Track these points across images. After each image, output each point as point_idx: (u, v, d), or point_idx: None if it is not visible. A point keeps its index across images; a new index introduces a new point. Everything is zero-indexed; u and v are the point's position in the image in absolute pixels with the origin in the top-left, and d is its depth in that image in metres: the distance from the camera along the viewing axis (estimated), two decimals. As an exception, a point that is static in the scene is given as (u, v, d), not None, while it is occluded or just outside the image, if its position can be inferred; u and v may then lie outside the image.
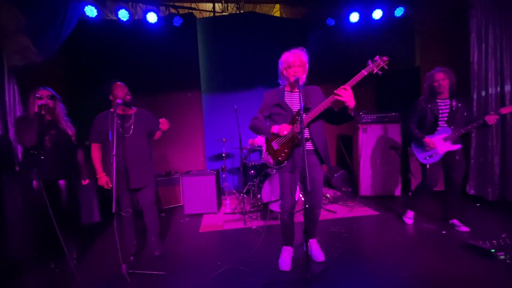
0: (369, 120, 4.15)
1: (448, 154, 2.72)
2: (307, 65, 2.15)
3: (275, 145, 2.19)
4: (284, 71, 2.15)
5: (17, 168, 2.58)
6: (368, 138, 4.16)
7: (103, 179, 2.43)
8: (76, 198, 2.59)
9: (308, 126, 2.12)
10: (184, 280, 2.19)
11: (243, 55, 4.97)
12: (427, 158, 2.79)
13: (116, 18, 4.41)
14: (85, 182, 2.68)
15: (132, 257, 2.53)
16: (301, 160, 1.83)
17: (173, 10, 4.79)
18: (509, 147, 3.40)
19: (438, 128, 2.73)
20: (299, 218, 3.26)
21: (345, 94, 1.86)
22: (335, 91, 1.90)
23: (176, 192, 4.29)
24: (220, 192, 4.25)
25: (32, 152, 2.26)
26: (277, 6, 6.47)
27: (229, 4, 5.87)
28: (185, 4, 5.25)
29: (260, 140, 4.33)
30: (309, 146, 2.16)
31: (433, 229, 2.86)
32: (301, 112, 1.86)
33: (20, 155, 2.60)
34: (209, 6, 6.02)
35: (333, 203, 3.92)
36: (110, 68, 4.43)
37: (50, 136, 2.35)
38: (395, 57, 4.72)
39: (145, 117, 2.56)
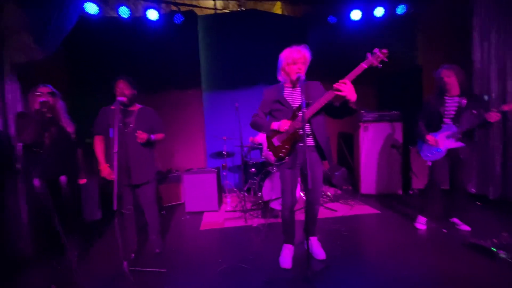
0: (370, 119, 4.14)
1: (452, 152, 2.70)
2: (308, 63, 2.14)
3: (276, 141, 2.19)
4: (287, 67, 2.13)
5: (18, 165, 2.58)
6: (369, 137, 4.15)
7: (105, 170, 2.42)
8: (77, 195, 2.59)
9: (309, 121, 2.10)
10: (185, 277, 2.20)
11: (244, 52, 4.95)
12: (429, 155, 2.79)
13: (116, 15, 4.40)
14: (83, 181, 2.68)
15: (133, 254, 2.54)
16: (302, 157, 1.82)
17: (174, 7, 4.77)
18: (510, 146, 3.40)
19: (442, 126, 2.72)
20: (299, 216, 3.26)
21: (345, 88, 1.83)
22: (334, 85, 1.87)
23: (177, 190, 4.29)
24: (221, 190, 4.26)
25: (32, 149, 2.26)
26: (278, 3, 6.43)
27: (230, 1, 5.84)
28: (186, 1, 5.22)
29: (260, 138, 4.32)
30: (310, 142, 2.15)
31: (434, 227, 2.86)
32: (303, 109, 1.85)
33: (21, 152, 2.60)
34: (210, 3, 5.99)
35: (333, 202, 3.92)
36: (110, 66, 4.41)
37: (50, 133, 2.34)
38: (397, 55, 4.72)
39: (149, 115, 2.55)
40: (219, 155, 4.56)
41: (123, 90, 2.38)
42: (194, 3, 5.36)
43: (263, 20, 4.98)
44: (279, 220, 2.40)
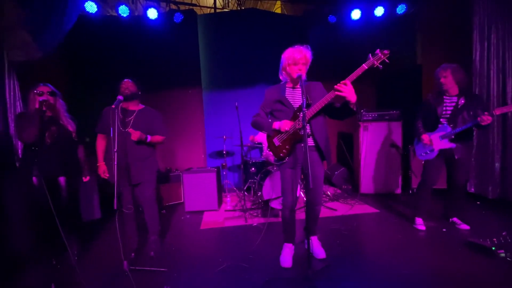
0: (370, 118, 4.15)
1: (445, 152, 2.70)
2: (309, 63, 2.14)
3: (276, 141, 2.19)
4: (288, 67, 2.13)
5: (18, 165, 2.58)
6: (369, 136, 4.15)
7: (101, 168, 2.43)
8: (76, 195, 2.59)
9: (309, 122, 2.10)
10: (185, 276, 2.20)
11: (244, 52, 4.94)
12: (423, 154, 2.82)
13: (116, 14, 4.39)
14: (86, 179, 2.68)
15: (133, 254, 2.54)
16: (303, 157, 1.82)
17: (173, 6, 4.77)
18: (510, 145, 3.40)
19: (438, 126, 2.72)
20: (300, 215, 3.26)
21: (346, 89, 1.85)
22: (335, 86, 1.88)
23: (176, 189, 4.29)
24: (220, 189, 4.26)
25: (32, 148, 2.25)
26: (278, 3, 6.45)
27: (230, 0, 5.84)
28: (186, 0, 5.22)
29: (260, 137, 4.32)
30: (310, 142, 2.15)
31: (433, 227, 2.87)
32: (304, 108, 1.85)
33: (20, 152, 2.60)
34: (210, 2, 5.99)
35: (333, 201, 3.93)
36: (110, 65, 4.42)
37: (50, 132, 2.34)
38: (397, 55, 4.69)
39: (149, 116, 2.54)
40: (219, 154, 4.56)
41: (129, 87, 2.40)
42: (194, 2, 5.36)
43: (262, 19, 4.98)
44: (279, 219, 2.40)
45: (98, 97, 2.55)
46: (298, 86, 2.17)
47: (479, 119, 2.46)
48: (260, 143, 4.39)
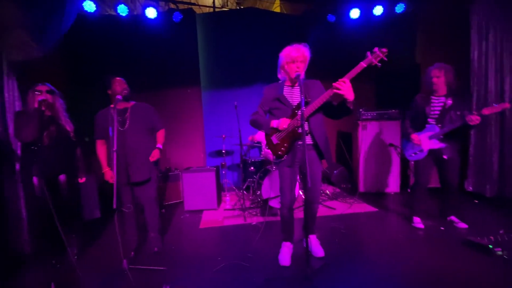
0: (369, 117, 4.16)
1: (434, 153, 2.72)
2: (308, 61, 2.14)
3: (274, 139, 2.20)
4: (286, 66, 2.14)
5: (17, 164, 2.58)
6: (367, 135, 4.16)
7: (108, 173, 2.44)
8: (77, 194, 2.60)
9: (307, 120, 2.11)
10: (185, 275, 2.21)
11: (243, 51, 4.94)
12: (412, 155, 2.82)
13: (115, 13, 4.38)
14: (82, 180, 2.68)
15: (132, 253, 2.54)
16: (301, 155, 1.83)
17: (172, 6, 4.75)
18: (507, 144, 3.42)
19: (426, 126, 2.73)
20: (298, 214, 3.28)
21: (344, 87, 1.86)
22: (333, 84, 1.89)
23: (176, 188, 4.30)
24: (220, 189, 4.26)
25: (32, 147, 2.25)
26: (277, 2, 6.43)
27: (229, -1, 5.83)
28: (185, -1, 5.21)
29: (259, 136, 4.33)
30: (308, 140, 2.15)
31: (431, 225, 2.88)
32: (302, 106, 1.86)
33: (19, 151, 2.59)
34: (209, 1, 5.98)
35: (332, 200, 3.94)
36: (109, 64, 4.41)
37: (49, 131, 2.34)
38: (396, 54, 4.69)
39: (143, 110, 2.55)
40: (218, 153, 4.57)
41: (126, 87, 2.41)
42: (192, 1, 5.35)
43: (261, 19, 4.98)
44: (278, 218, 2.41)
45: (96, 96, 2.55)
46: (297, 85, 2.18)
47: (467, 118, 2.47)
48: (259, 142, 4.40)
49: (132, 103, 2.54)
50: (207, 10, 5.88)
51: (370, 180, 4.19)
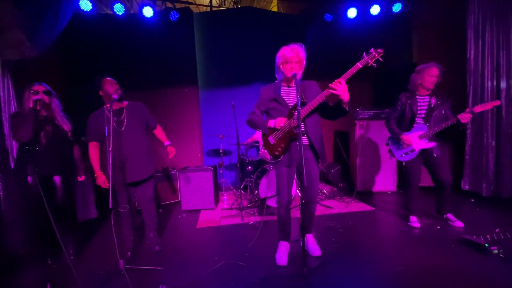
0: (366, 116, 4.17)
1: (425, 152, 2.73)
2: (304, 61, 2.13)
3: (271, 139, 2.20)
4: (281, 66, 2.14)
5: (13, 164, 2.56)
6: (365, 134, 4.17)
7: (100, 178, 2.41)
8: (72, 194, 2.58)
9: (303, 120, 2.11)
10: (182, 275, 2.20)
11: (241, 50, 4.94)
12: (403, 155, 2.81)
13: (111, 12, 4.36)
14: (81, 178, 2.68)
15: (129, 253, 2.54)
16: (298, 155, 1.83)
17: (169, 5, 4.74)
18: (503, 143, 3.44)
19: (414, 125, 2.74)
20: (295, 213, 3.28)
21: (340, 88, 1.87)
22: (330, 84, 1.90)
23: (173, 188, 4.29)
24: (217, 188, 4.26)
25: (27, 147, 2.24)
26: (275, 1, 6.43)
27: (226, -2, 5.82)
28: (182, -2, 5.19)
29: (258, 136, 4.33)
30: (304, 140, 2.16)
31: (427, 224, 2.89)
32: (298, 107, 1.86)
33: (15, 151, 2.58)
34: (206, 0, 5.97)
35: (329, 199, 3.95)
36: (105, 63, 4.39)
37: (45, 132, 2.33)
38: (393, 53, 4.74)
39: (138, 109, 2.55)
40: (215, 153, 4.56)
41: (115, 87, 2.38)
42: (190, 0, 5.34)
43: (259, 18, 4.97)
44: (275, 217, 2.41)
45: (93, 95, 2.53)
46: (293, 85, 2.18)
47: (460, 116, 2.49)
48: (257, 142, 4.40)
49: (126, 102, 2.53)
50: (204, 9, 5.87)
51: (367, 179, 4.20)
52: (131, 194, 2.54)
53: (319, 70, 4.42)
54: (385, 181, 4.18)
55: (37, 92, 2.29)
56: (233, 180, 5.19)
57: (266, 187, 3.51)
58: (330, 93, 1.92)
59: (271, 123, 2.15)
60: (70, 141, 2.51)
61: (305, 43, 2.15)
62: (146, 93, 4.58)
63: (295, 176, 3.01)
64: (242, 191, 3.85)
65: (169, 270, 2.27)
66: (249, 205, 3.76)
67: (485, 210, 3.26)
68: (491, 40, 3.48)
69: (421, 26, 4.87)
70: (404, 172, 2.88)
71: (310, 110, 2.05)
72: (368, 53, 1.85)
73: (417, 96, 2.75)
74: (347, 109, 1.98)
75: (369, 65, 1.84)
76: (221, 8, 5.92)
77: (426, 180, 3.27)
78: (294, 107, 2.08)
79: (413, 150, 2.74)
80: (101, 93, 2.40)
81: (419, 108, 2.72)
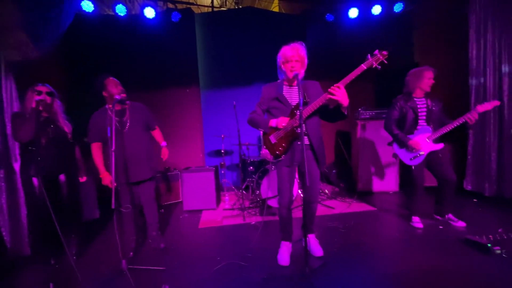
0: (367, 116, 4.16)
1: (432, 153, 2.72)
2: (305, 60, 2.13)
3: (273, 139, 2.20)
4: (282, 65, 2.14)
5: (15, 164, 2.57)
6: (366, 134, 4.17)
7: (106, 178, 2.40)
8: (77, 193, 2.60)
9: (304, 121, 2.11)
10: (184, 275, 2.20)
11: (242, 50, 4.94)
12: (412, 159, 2.77)
13: (113, 13, 4.37)
14: (83, 179, 2.68)
15: (132, 253, 2.54)
16: (299, 155, 1.83)
17: (171, 5, 4.75)
18: (506, 143, 3.42)
19: (418, 128, 2.72)
20: (297, 213, 3.28)
21: (339, 93, 1.87)
22: (328, 89, 1.90)
23: (175, 188, 4.30)
24: (219, 188, 4.26)
25: (30, 148, 2.25)
26: (276, 1, 6.43)
27: (227, -1, 5.83)
28: (183, -1, 5.21)
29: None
30: (305, 141, 2.15)
31: (430, 224, 2.88)
32: (300, 107, 1.86)
33: (17, 151, 2.59)
34: (207, 1, 5.98)
35: (331, 199, 3.94)
36: (107, 64, 4.41)
37: (46, 133, 2.34)
38: (394, 53, 4.66)
39: (139, 110, 2.56)
40: (217, 153, 4.56)
41: (119, 87, 2.38)
42: (191, 0, 5.35)
43: (260, 18, 4.97)
44: (277, 217, 2.41)
45: (95, 96, 2.55)
46: (295, 84, 2.18)
47: (468, 116, 2.51)
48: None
49: (128, 103, 2.53)
50: (205, 9, 5.88)
51: (369, 179, 4.19)
52: (134, 194, 2.55)
53: (321, 70, 4.41)
54: (387, 181, 4.17)
55: (40, 93, 2.30)
56: (234, 180, 5.19)
57: (268, 187, 3.51)
58: (328, 97, 1.93)
59: (273, 122, 2.15)
60: (71, 142, 2.52)
61: (306, 43, 2.15)
62: (147, 94, 4.59)
63: (296, 176, 3.01)
64: (243, 191, 3.86)
65: (172, 270, 2.27)
66: (250, 205, 3.75)
67: (488, 210, 3.25)
68: (492, 39, 3.47)
69: (422, 26, 4.87)
70: (409, 173, 2.85)
71: (310, 112, 2.05)
72: (372, 54, 1.84)
73: (415, 99, 2.74)
74: (346, 113, 1.98)
75: (374, 67, 1.84)
76: (222, 8, 5.92)
77: (427, 181, 3.25)
78: (297, 106, 2.08)
79: (422, 153, 2.71)
80: (104, 93, 2.40)
81: (419, 110, 2.71)
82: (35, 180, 2.24)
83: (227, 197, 4.38)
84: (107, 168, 2.42)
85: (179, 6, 4.84)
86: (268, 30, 4.90)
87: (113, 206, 1.98)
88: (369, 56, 1.85)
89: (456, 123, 2.59)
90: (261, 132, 4.13)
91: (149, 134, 2.63)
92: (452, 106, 3.31)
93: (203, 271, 2.24)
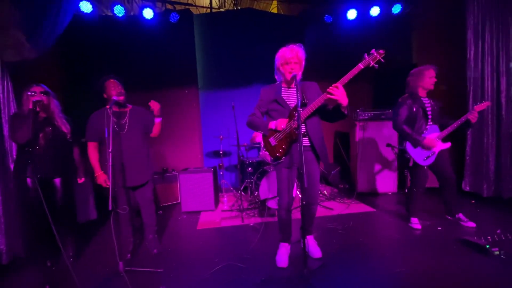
0: (366, 117, 4.16)
1: (439, 152, 2.72)
2: (303, 62, 2.14)
3: (272, 141, 2.19)
4: (281, 67, 2.14)
5: (12, 166, 2.55)
6: (365, 135, 4.17)
7: (101, 177, 2.40)
8: (72, 196, 2.57)
9: (304, 122, 2.11)
10: (182, 277, 2.19)
11: (241, 51, 4.94)
12: (426, 159, 2.72)
13: (111, 14, 4.36)
14: (81, 180, 2.66)
15: (129, 255, 2.53)
16: (299, 156, 1.82)
17: (169, 6, 4.75)
18: (504, 144, 3.43)
19: (428, 127, 2.71)
20: (296, 215, 3.27)
21: (337, 93, 1.87)
22: (327, 89, 1.90)
23: (173, 189, 4.28)
24: (217, 190, 4.25)
25: (26, 149, 2.23)
26: (275, 2, 6.45)
27: (226, 0, 5.83)
28: (182, 0, 5.21)
29: (260, 138, 4.32)
30: (305, 142, 2.16)
31: (428, 225, 2.88)
32: (299, 108, 1.86)
33: (14, 153, 2.57)
34: (206, 2, 5.99)
35: (330, 200, 3.94)
36: (105, 65, 4.39)
37: (44, 133, 2.32)
38: (392, 54, 4.70)
39: (140, 114, 2.54)
40: (215, 154, 4.55)
41: (118, 89, 2.37)
42: (190, 1, 5.35)
43: (259, 19, 4.98)
44: (276, 219, 2.40)
45: (93, 97, 2.54)
46: (293, 86, 2.18)
47: (469, 116, 2.56)
48: (259, 143, 4.39)
49: (130, 106, 2.53)
50: (204, 10, 5.89)
51: (368, 180, 4.19)
52: (131, 196, 2.53)
53: (319, 71, 4.42)
54: (386, 182, 4.17)
55: (35, 93, 2.29)
56: (233, 181, 5.18)
57: (267, 189, 3.50)
58: (327, 97, 1.93)
59: (272, 124, 2.14)
60: (70, 142, 2.50)
61: (305, 44, 2.15)
62: (146, 95, 4.54)
63: (296, 177, 3.00)
64: (242, 193, 3.85)
65: (169, 272, 2.25)
66: (249, 207, 3.74)
67: (486, 211, 3.25)
68: (490, 40, 3.48)
69: (420, 27, 4.88)
70: (413, 173, 2.82)
71: (309, 113, 2.05)
72: (369, 54, 1.85)
73: (422, 98, 2.72)
74: (346, 112, 1.99)
75: (371, 65, 1.84)
76: (221, 9, 5.93)
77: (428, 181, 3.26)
78: (295, 108, 2.07)
79: (433, 153, 2.70)
80: (104, 95, 2.40)
81: (427, 109, 2.70)
82: (29, 181, 2.22)
83: (225, 198, 4.37)
84: (103, 168, 2.41)
85: (178, 7, 4.84)
86: (266, 31, 4.91)
87: (110, 208, 1.97)
88: (366, 55, 1.86)
89: (459, 122, 2.62)
90: (254, 133, 4.16)
91: (147, 139, 2.61)
92: (450, 106, 3.32)
93: (201, 272, 2.22)
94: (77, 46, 4.30)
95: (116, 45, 4.46)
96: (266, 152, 2.27)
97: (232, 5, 6.02)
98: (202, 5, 5.92)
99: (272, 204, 3.45)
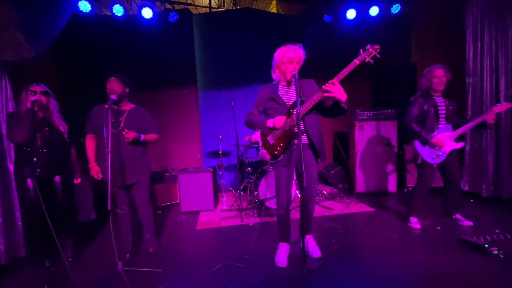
0: (365, 117, 4.16)
1: (450, 152, 2.70)
2: (302, 62, 2.16)
3: (271, 139, 2.19)
4: (282, 66, 2.14)
5: (10, 165, 2.55)
6: (364, 135, 4.17)
7: (93, 169, 2.38)
8: (72, 195, 2.57)
9: (303, 119, 2.11)
10: (181, 277, 2.19)
11: (240, 51, 4.94)
12: (435, 157, 2.70)
13: (110, 14, 4.36)
14: (77, 180, 2.65)
15: (128, 255, 2.52)
16: (297, 155, 1.82)
17: (168, 6, 4.74)
18: (503, 144, 3.43)
19: (439, 126, 2.69)
20: (295, 214, 3.27)
21: (334, 89, 1.86)
22: (323, 86, 1.90)
23: (172, 189, 4.27)
24: (216, 189, 4.25)
25: (25, 149, 2.22)
26: (274, 2, 6.44)
27: (225, 0, 5.83)
28: (181, 0, 5.20)
29: (257, 137, 4.32)
30: (304, 139, 2.15)
31: (428, 225, 2.88)
32: (298, 106, 1.86)
33: (13, 152, 2.56)
34: (205, 1, 5.98)
35: (329, 200, 3.94)
36: (104, 65, 4.38)
37: (42, 133, 2.31)
38: (391, 54, 4.75)
39: (140, 115, 2.52)
40: (215, 154, 4.55)
41: (114, 87, 2.35)
42: (189, 1, 5.34)
43: (258, 19, 4.97)
44: (275, 218, 2.40)
45: (92, 97, 2.54)
46: (292, 84, 2.18)
47: (487, 116, 2.52)
48: (257, 143, 4.39)
49: (131, 106, 2.51)
50: (203, 10, 5.88)
51: (367, 180, 4.19)
52: (129, 195, 2.53)
53: (319, 71, 4.41)
54: (385, 182, 4.17)
55: (34, 93, 2.28)
56: (232, 181, 5.18)
57: (266, 188, 3.50)
58: (324, 95, 1.92)
59: (270, 122, 2.14)
60: (67, 142, 2.50)
61: (304, 44, 2.16)
62: (145, 95, 4.57)
63: (294, 177, 3.00)
64: (241, 192, 3.84)
65: (168, 272, 2.25)
66: (248, 207, 3.74)
67: (485, 211, 3.26)
68: (489, 40, 3.49)
69: (420, 27, 4.89)
70: (419, 171, 2.80)
71: (306, 110, 2.04)
72: (364, 49, 1.85)
73: (435, 97, 2.70)
74: (346, 108, 1.98)
75: (366, 61, 1.84)
76: (220, 9, 5.92)
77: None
78: (293, 105, 2.07)
79: (444, 152, 2.68)
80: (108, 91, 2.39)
81: (440, 108, 2.68)
82: (29, 181, 2.21)
83: (225, 198, 4.36)
84: (98, 164, 2.41)
85: (177, 7, 4.83)
86: (266, 31, 4.90)
87: (109, 208, 1.96)
88: (361, 51, 1.86)
89: (475, 122, 2.58)
90: (248, 136, 4.15)
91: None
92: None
93: (200, 272, 2.22)
94: (75, 46, 4.29)
95: (115, 44, 4.45)
96: (265, 150, 2.27)
97: (231, 4, 6.01)
98: (201, 4, 5.91)
99: (271, 204, 3.45)
